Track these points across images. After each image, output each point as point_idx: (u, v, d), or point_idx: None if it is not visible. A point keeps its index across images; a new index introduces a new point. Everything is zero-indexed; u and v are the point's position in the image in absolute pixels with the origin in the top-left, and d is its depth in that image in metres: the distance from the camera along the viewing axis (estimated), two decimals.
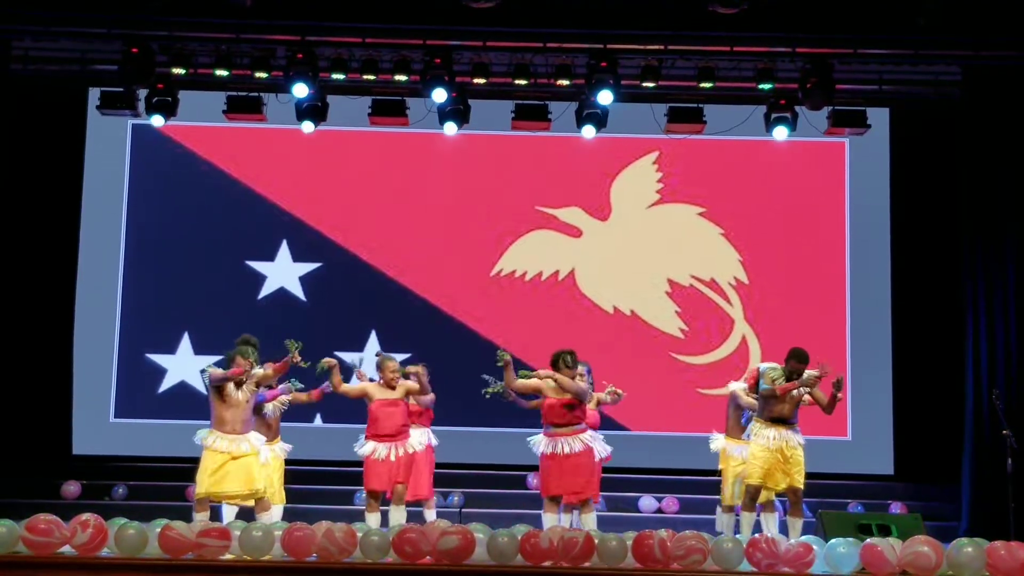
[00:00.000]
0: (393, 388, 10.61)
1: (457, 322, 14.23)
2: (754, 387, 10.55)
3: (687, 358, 14.24)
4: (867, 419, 13.79)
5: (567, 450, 10.00)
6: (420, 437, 11.01)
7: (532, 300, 14.38)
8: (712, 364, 14.19)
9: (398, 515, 10.54)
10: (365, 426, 10.58)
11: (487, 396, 10.10)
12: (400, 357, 11.62)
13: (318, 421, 13.78)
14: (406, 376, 10.73)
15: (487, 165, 14.48)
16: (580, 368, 10.28)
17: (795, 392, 10.07)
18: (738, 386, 10.92)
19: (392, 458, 10.47)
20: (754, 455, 10.18)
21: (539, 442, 10.15)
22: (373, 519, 10.46)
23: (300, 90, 12.47)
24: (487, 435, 13.63)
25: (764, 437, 10.18)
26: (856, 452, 13.72)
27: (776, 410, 10.23)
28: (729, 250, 14.43)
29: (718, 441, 11.07)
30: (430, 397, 10.99)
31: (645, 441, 13.68)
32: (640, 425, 13.80)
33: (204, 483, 9.72)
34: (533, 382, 10.06)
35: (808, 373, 10.06)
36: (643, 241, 14.46)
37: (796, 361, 10.14)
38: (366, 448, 10.55)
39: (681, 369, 14.18)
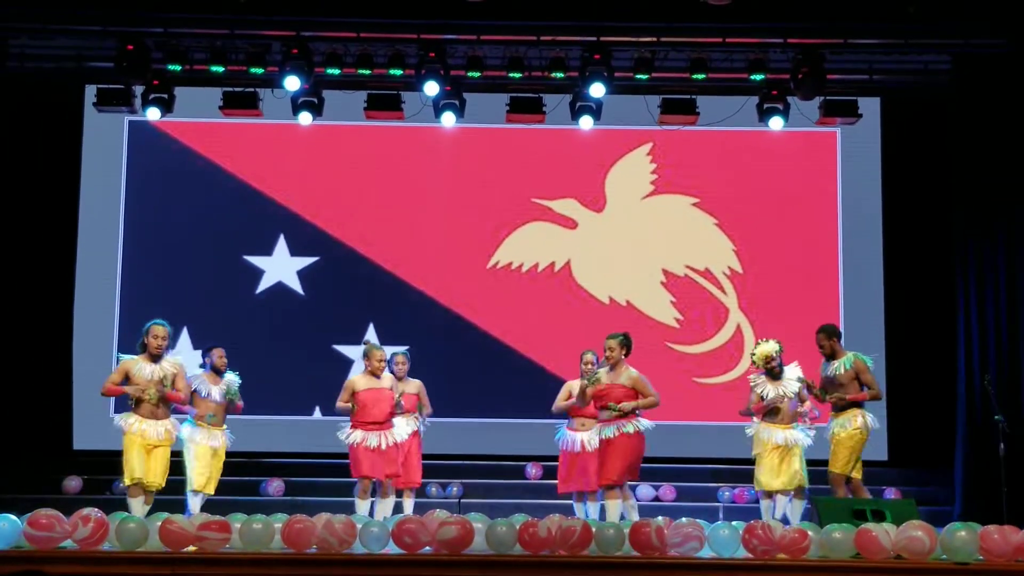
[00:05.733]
0: (378, 377, 10.66)
1: (454, 314, 14.30)
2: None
3: (682, 347, 14.29)
4: None
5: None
6: (406, 426, 11.07)
7: (528, 291, 14.46)
8: (707, 353, 14.31)
9: (385, 507, 10.61)
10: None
11: None
12: (397, 349, 11.76)
13: (317, 414, 13.89)
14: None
15: (483, 158, 14.55)
16: (588, 356, 10.90)
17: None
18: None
19: (383, 447, 10.50)
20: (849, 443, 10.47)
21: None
22: (364, 507, 10.49)
23: (292, 83, 12.43)
24: (484, 426, 13.90)
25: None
26: None
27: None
28: (723, 240, 14.50)
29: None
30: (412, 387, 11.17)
31: None
32: None
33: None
34: None
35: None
36: (638, 232, 14.53)
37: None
38: (354, 436, 10.56)
39: (677, 358, 14.23)
